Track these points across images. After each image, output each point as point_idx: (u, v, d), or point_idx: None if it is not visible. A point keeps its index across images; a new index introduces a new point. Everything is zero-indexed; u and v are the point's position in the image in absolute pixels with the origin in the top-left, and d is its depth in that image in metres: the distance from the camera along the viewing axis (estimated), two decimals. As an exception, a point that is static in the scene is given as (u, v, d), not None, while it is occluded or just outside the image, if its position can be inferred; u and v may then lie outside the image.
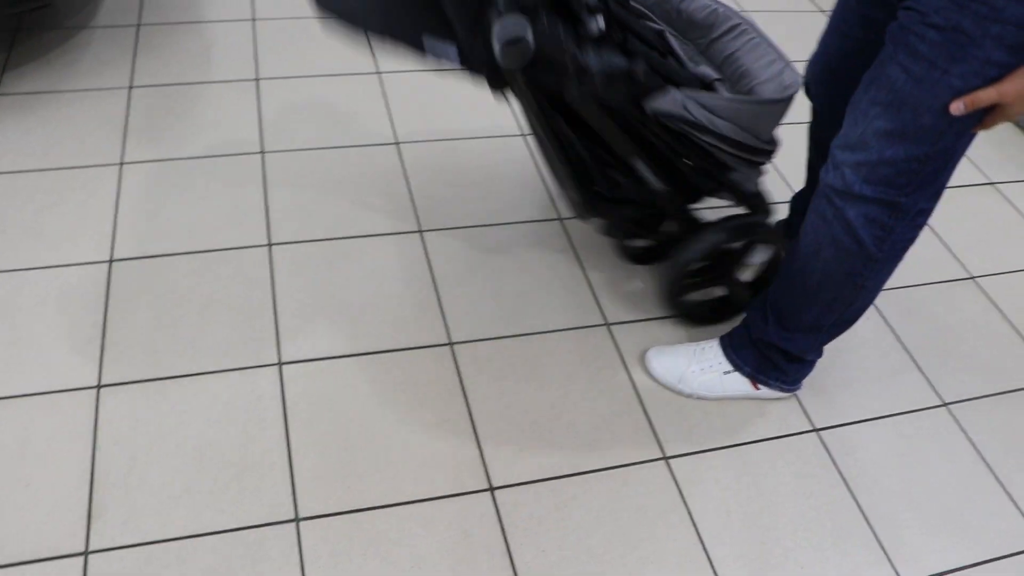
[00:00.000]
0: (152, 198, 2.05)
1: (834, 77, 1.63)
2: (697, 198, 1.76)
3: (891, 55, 1.30)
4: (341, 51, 2.61)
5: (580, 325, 1.91)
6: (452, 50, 1.36)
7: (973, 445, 1.83)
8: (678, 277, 1.81)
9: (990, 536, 1.67)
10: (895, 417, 1.85)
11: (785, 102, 1.56)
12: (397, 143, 2.31)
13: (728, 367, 1.78)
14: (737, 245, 1.81)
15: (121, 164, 2.14)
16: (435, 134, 2.35)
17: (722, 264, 1.86)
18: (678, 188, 1.68)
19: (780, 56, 1.65)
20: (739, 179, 1.67)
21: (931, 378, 1.95)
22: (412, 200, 2.14)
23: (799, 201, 1.98)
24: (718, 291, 1.96)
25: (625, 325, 1.93)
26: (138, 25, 2.62)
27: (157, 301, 1.82)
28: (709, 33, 1.73)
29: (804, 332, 1.66)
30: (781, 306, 1.65)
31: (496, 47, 1.26)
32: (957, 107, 1.24)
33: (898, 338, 2.02)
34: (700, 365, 1.79)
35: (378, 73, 2.55)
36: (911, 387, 1.92)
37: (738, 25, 1.69)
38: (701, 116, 1.50)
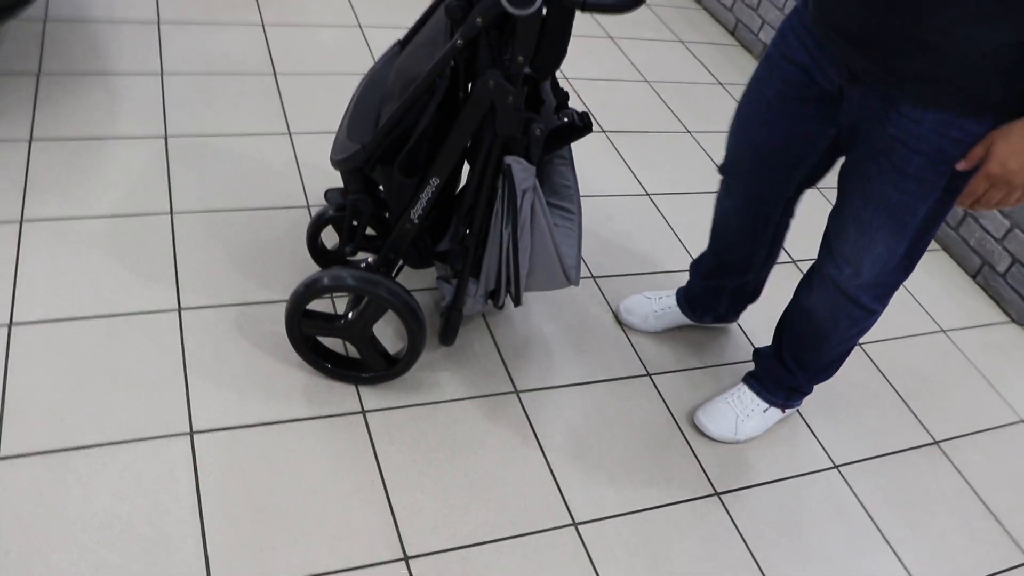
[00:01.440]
0: (55, 259, 2.01)
1: (760, 167, 1.78)
2: (426, 250, 1.78)
3: (877, 174, 1.52)
4: (251, 109, 2.62)
5: (490, 392, 1.97)
6: None
7: (863, 505, 1.96)
8: (295, 308, 1.74)
9: (870, 598, 1.79)
10: (790, 480, 1.97)
11: (560, 286, 1.71)
12: (308, 206, 2.33)
13: (765, 405, 2.03)
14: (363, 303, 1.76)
15: (21, 222, 2.09)
16: (347, 199, 2.39)
17: (350, 320, 1.77)
18: (432, 231, 1.75)
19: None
20: (485, 263, 1.70)
21: (824, 441, 2.09)
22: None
23: (699, 265, 2.14)
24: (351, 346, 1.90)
25: (534, 392, 2.00)
26: (38, 73, 2.57)
27: (61, 368, 1.79)
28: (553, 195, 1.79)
29: (823, 369, 1.96)
30: (801, 358, 1.93)
31: None
32: (962, 165, 1.44)
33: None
34: (743, 412, 2.02)
35: (289, 134, 2.57)
36: (805, 450, 2.05)
37: (574, 215, 1.77)
38: (526, 212, 1.59)
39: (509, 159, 1.54)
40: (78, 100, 2.49)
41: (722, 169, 1.90)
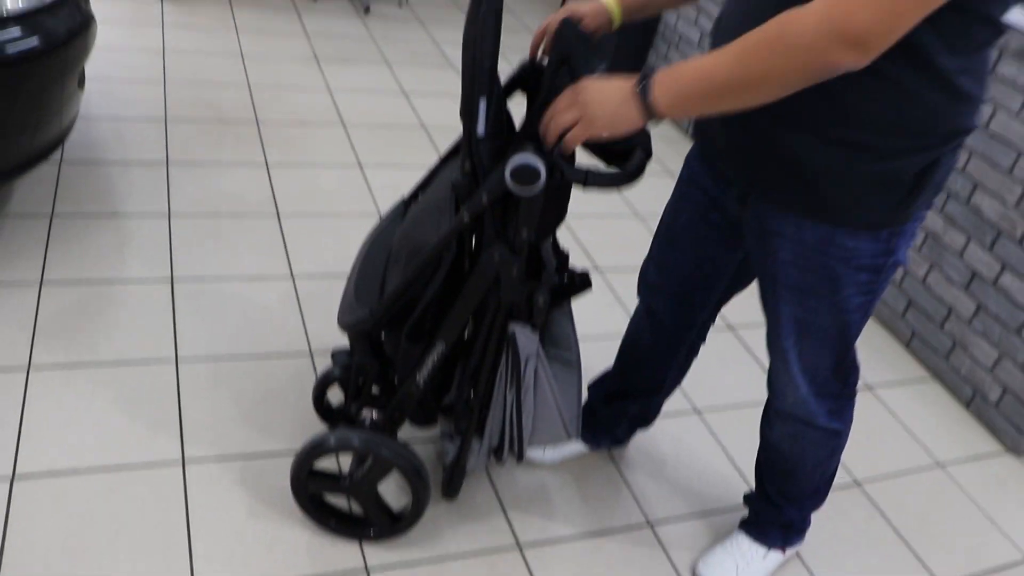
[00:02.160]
0: (60, 407, 2.04)
1: (674, 288, 1.87)
2: (430, 408, 1.81)
3: (779, 299, 1.61)
4: (255, 251, 2.68)
5: (493, 547, 1.97)
6: (482, 127, 1.48)
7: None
8: (300, 468, 1.77)
9: None
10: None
11: (561, 440, 1.76)
12: (311, 354, 2.37)
13: (764, 550, 2.02)
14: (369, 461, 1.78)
15: (28, 369, 2.12)
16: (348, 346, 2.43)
17: (356, 479, 1.80)
18: (435, 391, 1.78)
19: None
20: (489, 422, 1.74)
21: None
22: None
23: (602, 386, 2.19)
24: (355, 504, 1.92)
25: (537, 547, 2.00)
26: (51, 215, 2.64)
27: (62, 524, 1.79)
28: (553, 345, 1.83)
29: (810, 496, 1.95)
30: (785, 490, 1.93)
31: (508, 168, 1.40)
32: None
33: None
34: (743, 560, 2.01)
35: (291, 277, 2.63)
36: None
37: (573, 365, 1.81)
38: (529, 377, 1.64)
39: (514, 327, 1.59)
40: (88, 242, 2.55)
41: (639, 290, 1.97)
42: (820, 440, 1.80)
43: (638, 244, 3.27)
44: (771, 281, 1.62)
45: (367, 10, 4.74)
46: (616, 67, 4.50)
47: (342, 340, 2.43)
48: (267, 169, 3.12)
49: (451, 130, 3.73)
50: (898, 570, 2.20)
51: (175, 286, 2.48)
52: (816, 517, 2.28)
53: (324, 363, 2.34)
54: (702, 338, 2.03)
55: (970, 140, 2.81)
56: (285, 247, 2.75)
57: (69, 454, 1.93)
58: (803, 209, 1.49)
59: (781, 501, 1.97)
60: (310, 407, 2.19)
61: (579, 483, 2.20)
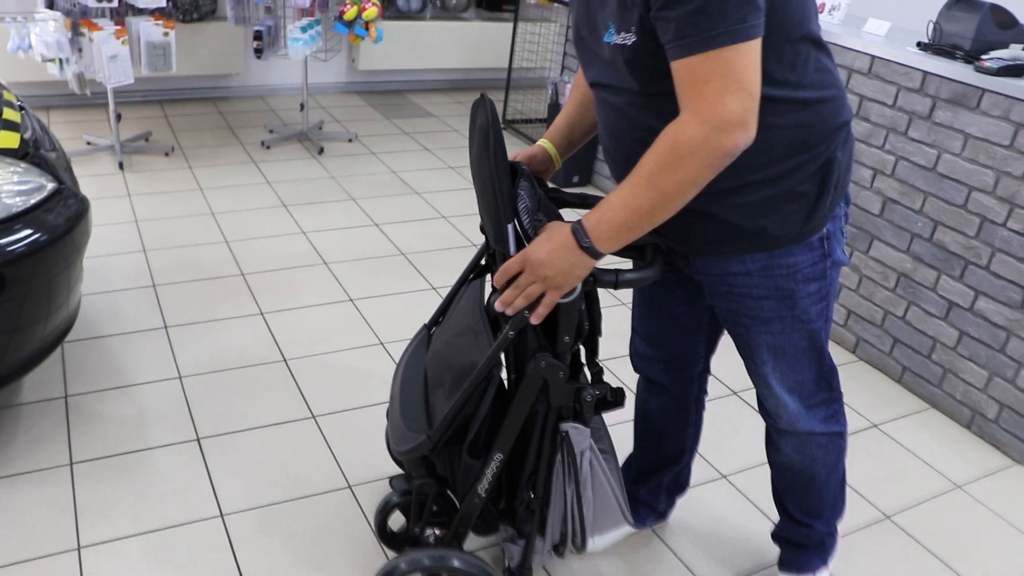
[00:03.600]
0: (121, 584, 2.06)
1: (664, 353, 2.02)
2: (492, 516, 1.89)
3: (747, 332, 1.75)
4: (271, 398, 2.75)
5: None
6: (514, 247, 1.58)
7: None
8: None
9: None
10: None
11: (620, 526, 1.89)
12: (349, 486, 2.43)
13: None
14: None
15: (79, 549, 2.14)
16: (384, 472, 2.49)
17: None
18: (493, 500, 1.86)
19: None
20: (550, 520, 1.82)
21: None
22: (381, 546, 2.24)
23: (629, 471, 2.30)
24: None
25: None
26: (65, 396, 2.68)
27: None
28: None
29: (832, 506, 2.05)
30: (809, 507, 2.03)
31: None
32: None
33: None
34: None
35: (313, 417, 2.70)
36: None
37: (609, 453, 1.90)
38: (586, 469, 1.75)
39: (565, 426, 1.69)
40: (108, 416, 2.60)
41: (635, 367, 2.11)
42: (825, 445, 1.93)
43: (625, 329, 3.40)
44: (736, 318, 1.75)
45: (321, 151, 4.92)
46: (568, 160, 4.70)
47: (377, 469, 2.50)
48: (263, 317, 3.21)
49: (429, 254, 3.87)
50: None
51: (203, 444, 2.53)
52: (857, 553, 2.37)
53: (364, 494, 2.40)
54: (704, 391, 2.16)
55: (923, 183, 3.03)
56: (299, 389, 2.82)
57: (141, 627, 1.95)
58: (736, 249, 1.64)
59: (808, 520, 2.07)
60: (362, 538, 2.24)
61: (632, 564, 2.26)
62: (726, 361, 3.18)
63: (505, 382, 1.79)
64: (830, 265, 1.70)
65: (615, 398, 1.77)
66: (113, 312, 3.15)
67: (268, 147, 4.94)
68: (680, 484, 2.30)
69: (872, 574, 2.32)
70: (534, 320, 1.57)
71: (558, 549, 1.88)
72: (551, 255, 1.49)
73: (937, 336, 3.08)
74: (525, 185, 1.65)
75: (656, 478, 2.25)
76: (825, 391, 1.86)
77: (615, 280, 1.57)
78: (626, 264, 3.27)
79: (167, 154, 4.69)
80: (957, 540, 2.49)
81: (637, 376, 2.16)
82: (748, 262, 1.66)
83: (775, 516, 2.48)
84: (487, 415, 1.69)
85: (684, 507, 2.47)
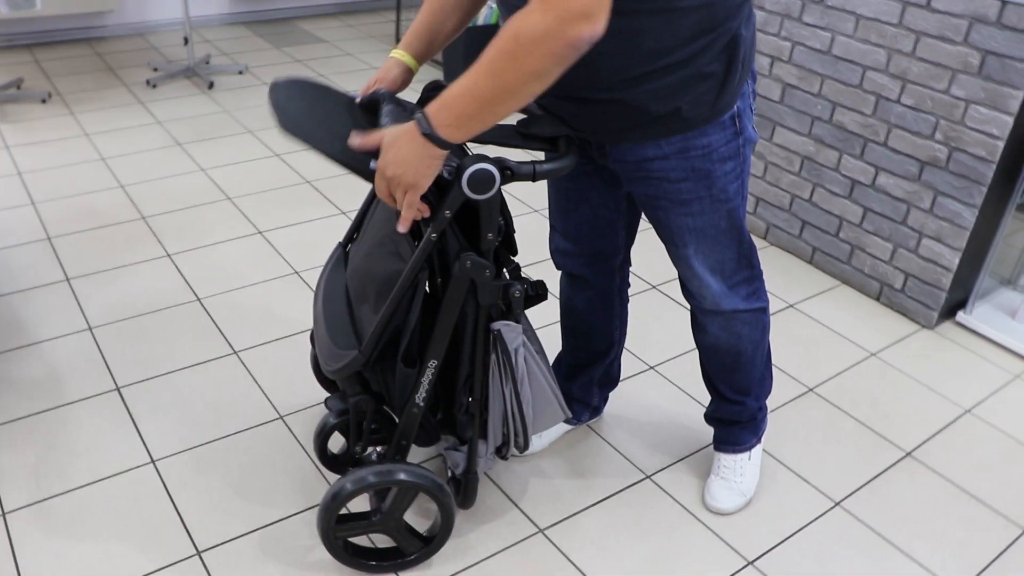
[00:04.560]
0: (52, 542, 1.99)
1: (586, 247, 2.03)
2: (431, 427, 1.87)
3: (667, 216, 1.76)
4: (190, 339, 2.68)
5: (518, 539, 2.05)
6: None
7: (874, 530, 2.12)
8: (327, 519, 1.79)
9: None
10: (808, 528, 2.11)
11: (559, 421, 1.88)
12: (281, 417, 2.39)
13: (746, 454, 2.20)
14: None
15: (3, 516, 2.07)
16: (314, 399, 2.46)
17: (386, 511, 1.85)
18: (431, 409, 1.85)
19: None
20: (490, 423, 1.82)
21: (817, 485, 2.25)
22: (318, 469, 2.22)
23: (559, 369, 2.32)
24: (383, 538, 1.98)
25: (557, 526, 2.09)
26: (-32, 363, 2.56)
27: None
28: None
29: (760, 382, 2.12)
30: (739, 384, 2.09)
31: (465, 178, 1.49)
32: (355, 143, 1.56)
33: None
34: (736, 474, 2.18)
35: (235, 353, 2.63)
36: (807, 496, 2.20)
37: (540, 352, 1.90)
38: (522, 367, 1.75)
39: (497, 325, 1.68)
40: (17, 377, 2.49)
41: (557, 263, 2.12)
42: (749, 321, 1.97)
43: (542, 236, 3.40)
44: (655, 203, 1.77)
45: (211, 86, 4.73)
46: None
47: (306, 397, 2.46)
48: (171, 259, 3.10)
49: (335, 179, 3.78)
50: (870, 453, 2.40)
51: (123, 393, 2.46)
52: (784, 426, 2.46)
53: (297, 422, 2.37)
54: (627, 283, 2.18)
55: (819, 67, 3.07)
56: (217, 327, 2.75)
57: (82, 579, 1.91)
58: (652, 134, 1.64)
59: (739, 397, 2.13)
60: (301, 466, 2.22)
61: (571, 460, 2.30)
62: (643, 256, 3.22)
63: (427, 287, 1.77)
64: (743, 143, 1.71)
65: (538, 291, 1.77)
66: (8, 270, 3.00)
67: (154, 86, 4.71)
68: (611, 378, 2.33)
69: (801, 443, 2.42)
70: (401, 228, 1.52)
71: (501, 451, 1.89)
72: (397, 153, 1.44)
73: (843, 215, 3.17)
74: (389, 110, 1.61)
75: (587, 373, 2.27)
76: (746, 269, 1.89)
77: (532, 171, 1.56)
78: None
79: (44, 101, 4.43)
80: (876, 404, 2.60)
81: (559, 275, 2.16)
82: (664, 146, 1.66)
83: (705, 399, 2.55)
84: (418, 323, 1.67)
85: (616, 400, 2.51)
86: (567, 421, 2.34)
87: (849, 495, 2.26)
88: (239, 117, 4.40)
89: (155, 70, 4.95)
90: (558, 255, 2.09)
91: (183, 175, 3.74)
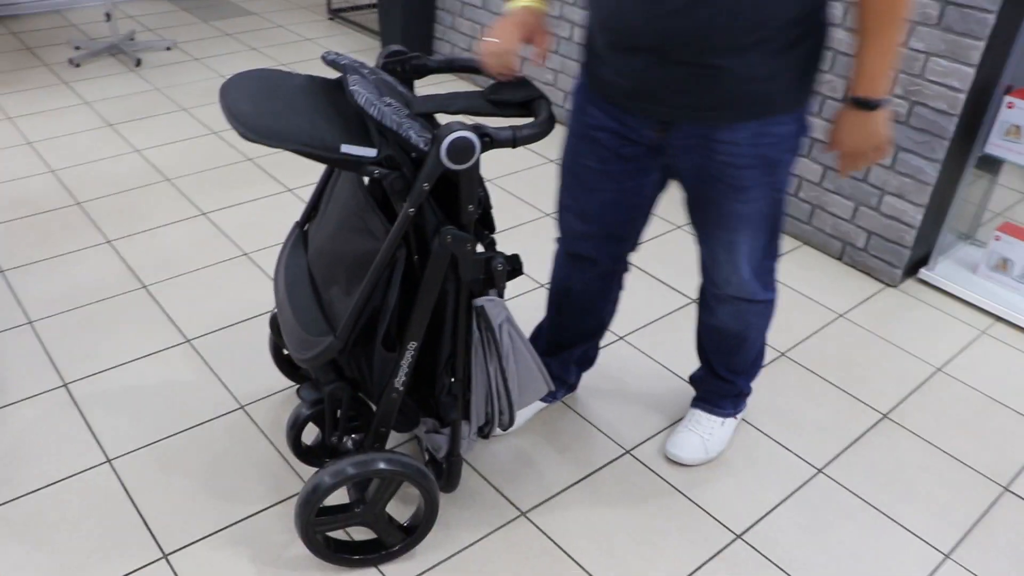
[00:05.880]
0: (4, 556, 1.85)
1: (602, 230, 1.93)
2: (411, 411, 1.79)
3: (719, 199, 1.71)
4: (138, 329, 2.53)
5: (501, 524, 1.97)
6: (371, 151, 1.45)
7: (858, 496, 2.09)
8: (307, 514, 1.69)
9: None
10: (793, 498, 2.08)
11: (541, 395, 1.82)
12: (241, 407, 2.27)
13: (720, 419, 2.19)
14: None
15: (-51, 526, 1.92)
16: (275, 386, 2.34)
17: (368, 502, 1.75)
18: (409, 393, 1.77)
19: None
20: (473, 403, 1.74)
21: (797, 451, 2.21)
22: (286, 460, 2.12)
23: (538, 343, 2.25)
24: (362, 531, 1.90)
25: (539, 508, 2.02)
26: None
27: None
28: None
29: (752, 365, 2.14)
30: (732, 365, 2.10)
31: (443, 148, 1.41)
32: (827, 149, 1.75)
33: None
34: (706, 432, 2.17)
35: (187, 341, 2.50)
36: (788, 464, 2.17)
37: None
38: (507, 342, 1.67)
39: (480, 301, 1.59)
40: (-46, 380, 2.33)
41: (564, 243, 2.03)
42: (761, 311, 1.96)
43: (502, 208, 3.31)
44: (710, 184, 1.70)
45: (138, 63, 4.51)
46: (406, 43, 4.50)
47: (267, 385, 2.35)
48: (111, 245, 2.94)
49: (278, 155, 3.63)
50: (847, 416, 2.38)
51: (71, 389, 2.31)
52: (762, 393, 2.43)
53: (259, 412, 2.25)
54: (628, 268, 2.10)
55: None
56: (167, 314, 2.61)
57: (41, 592, 1.78)
58: (734, 116, 1.60)
59: (731, 376, 2.12)
60: (266, 458, 2.11)
61: (550, 439, 2.23)
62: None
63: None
64: (804, 139, 1.71)
65: (514, 265, 1.68)
66: (-66, 263, 2.80)
67: (78, 65, 4.47)
68: (589, 358, 2.27)
69: (779, 410, 2.38)
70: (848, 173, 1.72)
71: (483, 430, 1.80)
72: (858, 135, 1.66)
73: (803, 174, 3.14)
74: (356, 80, 1.51)
75: (568, 352, 2.20)
76: (772, 259, 1.87)
77: (512, 137, 1.47)
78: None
79: (-40, 84, 4.17)
80: (849, 366, 2.58)
81: (556, 251, 2.07)
82: (738, 130, 1.61)
83: (680, 368, 2.50)
84: (396, 303, 1.57)
85: (593, 375, 2.45)
86: (543, 399, 2.27)
87: (831, 461, 2.23)
88: (171, 95, 4.20)
89: (77, 48, 4.70)
90: (570, 236, 1.98)
91: (117, 157, 3.55)
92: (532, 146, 3.82)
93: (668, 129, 1.67)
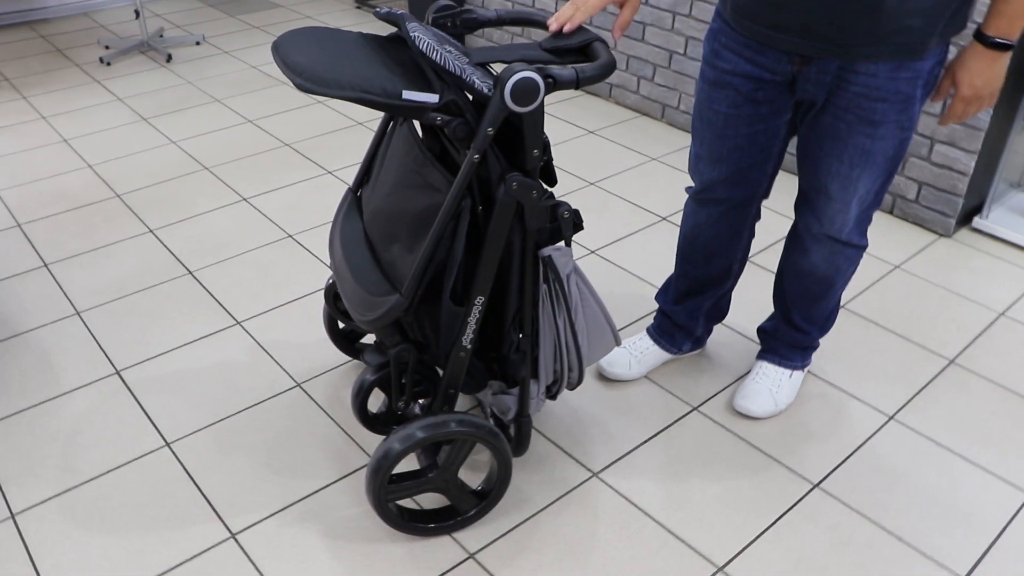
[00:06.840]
0: (71, 539, 1.83)
1: (733, 175, 1.90)
2: (478, 372, 1.75)
3: (848, 131, 1.67)
4: (187, 314, 2.51)
5: (575, 485, 1.93)
6: (433, 96, 1.40)
7: (936, 442, 2.03)
8: (379, 483, 1.65)
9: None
10: (867, 445, 2.02)
11: (609, 350, 1.78)
12: (298, 384, 2.24)
13: (788, 372, 2.15)
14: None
15: (13, 517, 1.90)
16: (331, 363, 2.31)
17: (440, 467, 1.71)
18: (476, 353, 1.72)
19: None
20: (541, 360, 1.69)
21: (869, 400, 2.15)
22: (348, 435, 2.08)
23: (668, 293, 2.23)
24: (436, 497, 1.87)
25: (611, 468, 1.98)
26: (-50, 362, 2.38)
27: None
28: None
29: (827, 318, 2.10)
30: (811, 314, 2.06)
31: (507, 89, 1.36)
32: (936, 98, 1.70)
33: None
34: (774, 385, 2.13)
35: (238, 323, 2.48)
36: (860, 415, 2.11)
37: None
38: (575, 294, 1.62)
39: (547, 251, 1.55)
40: (9, 370, 2.31)
41: (697, 192, 1.98)
42: (852, 257, 1.92)
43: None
44: (841, 115, 1.66)
45: (169, 59, 4.50)
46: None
47: (322, 360, 2.32)
48: (154, 235, 2.92)
49: (314, 139, 3.60)
50: (913, 365, 2.31)
51: (124, 376, 2.29)
52: (826, 346, 2.37)
53: (316, 388, 2.22)
54: (759, 216, 2.06)
55: None
56: (215, 298, 2.59)
57: None
58: (881, 54, 1.55)
59: (807, 327, 2.08)
60: (328, 433, 2.08)
61: (612, 401, 2.19)
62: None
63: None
64: (940, 72, 1.65)
65: (576, 219, 1.63)
66: (-19, 260, 2.80)
67: (109, 64, 4.47)
68: (720, 311, 2.23)
69: (844, 362, 2.32)
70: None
71: (550, 390, 1.76)
72: (979, 76, 1.60)
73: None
74: (414, 26, 1.46)
75: (697, 300, 2.17)
76: (875, 206, 1.84)
77: (575, 77, 1.42)
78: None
79: (-8, 88, 4.18)
80: (910, 316, 2.51)
81: (685, 202, 2.06)
82: (882, 64, 1.58)
83: (738, 322, 2.44)
84: (463, 256, 1.52)
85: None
86: (667, 350, 2.23)
87: (901, 408, 2.17)
88: (204, 87, 4.18)
89: (107, 48, 4.70)
90: (701, 183, 1.96)
91: (154, 149, 3.54)
92: (571, 118, 3.76)
93: (809, 63, 1.63)
